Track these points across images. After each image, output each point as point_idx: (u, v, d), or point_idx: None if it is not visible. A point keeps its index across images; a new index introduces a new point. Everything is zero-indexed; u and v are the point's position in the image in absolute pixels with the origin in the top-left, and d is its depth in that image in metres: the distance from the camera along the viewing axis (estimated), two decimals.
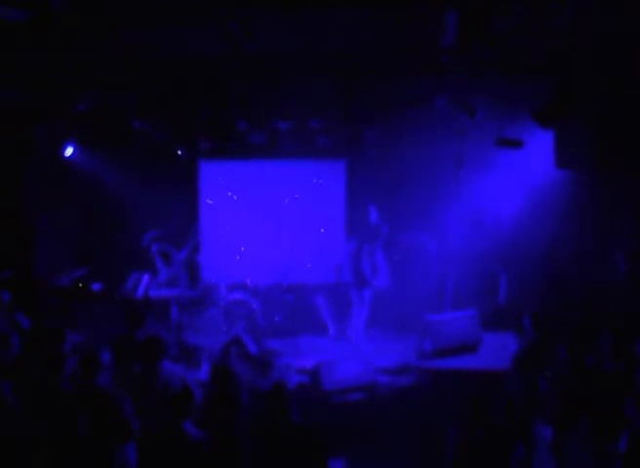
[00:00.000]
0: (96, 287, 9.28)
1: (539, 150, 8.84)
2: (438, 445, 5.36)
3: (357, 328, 8.96)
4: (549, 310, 8.02)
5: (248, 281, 9.94)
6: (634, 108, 7.67)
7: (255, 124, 9.36)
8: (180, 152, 10.03)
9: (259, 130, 9.46)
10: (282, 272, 9.94)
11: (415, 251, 9.81)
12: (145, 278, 8.97)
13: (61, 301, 8.84)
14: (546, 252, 9.41)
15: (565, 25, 6.01)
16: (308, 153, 10.29)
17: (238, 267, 10.39)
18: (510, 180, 9.46)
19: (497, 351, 7.35)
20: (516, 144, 8.15)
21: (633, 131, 7.79)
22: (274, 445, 4.29)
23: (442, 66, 7.23)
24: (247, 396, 5.26)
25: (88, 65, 7.47)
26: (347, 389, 7.00)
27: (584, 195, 8.83)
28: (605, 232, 8.64)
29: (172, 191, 10.85)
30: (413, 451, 5.96)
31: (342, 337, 9.20)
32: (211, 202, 10.75)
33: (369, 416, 6.84)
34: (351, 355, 8.16)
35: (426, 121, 8.92)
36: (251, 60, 7.27)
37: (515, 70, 7.39)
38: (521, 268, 9.56)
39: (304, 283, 9.97)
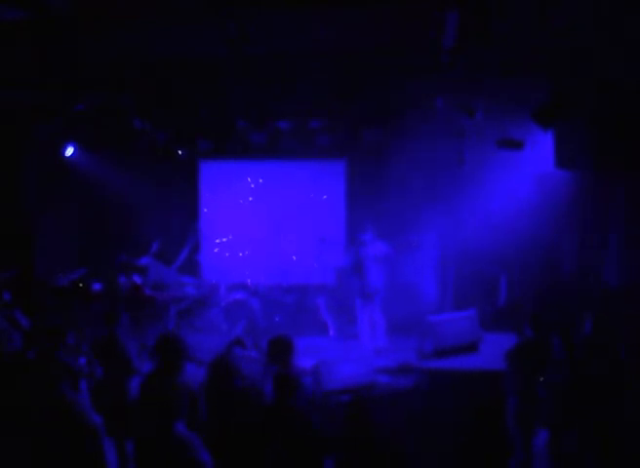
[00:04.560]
0: (96, 287, 9.28)
1: (539, 150, 8.84)
2: (437, 445, 5.37)
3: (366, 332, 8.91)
4: (548, 311, 8.03)
5: (248, 281, 9.94)
6: (634, 108, 7.67)
7: (254, 124, 9.35)
8: (180, 152, 10.03)
9: (258, 129, 9.46)
10: (282, 272, 9.95)
11: (415, 251, 9.80)
12: (136, 277, 8.96)
13: (61, 301, 8.84)
14: (546, 252, 9.41)
15: (565, 25, 6.01)
16: (308, 153, 10.30)
17: (238, 267, 10.39)
18: (511, 180, 9.46)
19: (497, 351, 7.34)
20: (516, 145, 8.14)
21: (633, 131, 7.78)
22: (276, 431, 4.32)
23: (442, 66, 7.23)
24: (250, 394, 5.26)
25: (88, 65, 7.47)
26: (347, 389, 7.00)
27: (584, 195, 8.82)
28: (605, 232, 8.63)
29: (172, 191, 10.87)
30: (412, 451, 5.95)
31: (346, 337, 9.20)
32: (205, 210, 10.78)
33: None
34: (352, 355, 8.15)
35: (426, 121, 8.92)
36: (251, 60, 7.27)
37: (515, 70, 7.38)
38: (521, 269, 9.56)
39: (305, 283, 9.97)
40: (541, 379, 5.13)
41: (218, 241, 10.76)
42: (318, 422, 4.59)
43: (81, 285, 9.15)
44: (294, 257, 10.36)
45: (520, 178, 9.38)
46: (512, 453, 5.52)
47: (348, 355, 7.90)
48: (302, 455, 4.29)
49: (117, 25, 6.30)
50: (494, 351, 7.59)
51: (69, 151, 9.92)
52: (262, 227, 10.64)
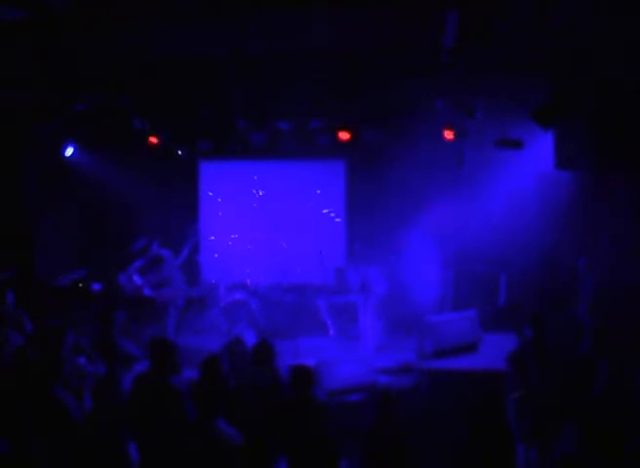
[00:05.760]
0: (95, 287, 9.28)
1: (538, 150, 8.84)
2: (438, 444, 5.37)
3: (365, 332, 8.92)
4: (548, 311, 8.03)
5: (248, 281, 9.93)
6: (634, 108, 7.66)
7: (254, 124, 9.35)
8: (179, 152, 10.02)
9: (258, 130, 9.45)
10: (282, 272, 9.95)
11: (414, 251, 9.80)
12: (136, 278, 8.97)
13: (61, 301, 8.84)
14: (546, 252, 9.41)
15: (565, 25, 6.00)
16: (308, 153, 10.29)
17: (238, 267, 10.39)
18: (510, 181, 9.46)
19: (497, 351, 7.34)
20: (516, 145, 8.14)
21: (633, 131, 7.78)
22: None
23: (442, 66, 7.22)
24: (248, 394, 5.26)
25: (88, 65, 7.47)
26: (347, 389, 7.00)
27: (584, 195, 8.82)
28: (605, 233, 8.63)
29: (172, 191, 10.86)
30: (412, 451, 5.95)
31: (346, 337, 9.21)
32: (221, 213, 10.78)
33: (369, 416, 6.83)
34: (352, 355, 8.15)
35: (426, 121, 8.91)
36: (251, 60, 7.27)
37: (515, 70, 7.38)
38: (521, 269, 9.56)
39: (304, 283, 9.96)
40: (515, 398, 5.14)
41: (222, 240, 10.75)
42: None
43: (81, 285, 9.16)
44: (283, 244, 10.35)
45: (520, 179, 9.37)
46: (513, 453, 5.52)
47: (348, 355, 7.91)
48: (321, 452, 4.35)
49: (117, 25, 6.30)
50: (493, 351, 7.60)
51: (69, 151, 9.91)
52: (262, 227, 10.64)
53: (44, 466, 4.58)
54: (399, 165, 10.03)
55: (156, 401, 4.85)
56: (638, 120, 7.60)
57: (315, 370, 7.04)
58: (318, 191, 10.76)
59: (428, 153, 9.55)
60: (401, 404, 5.02)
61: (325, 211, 10.74)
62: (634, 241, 8.10)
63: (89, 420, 4.69)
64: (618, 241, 8.41)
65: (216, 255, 10.59)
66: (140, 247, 9.21)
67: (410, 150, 9.68)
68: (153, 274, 9.31)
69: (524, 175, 9.32)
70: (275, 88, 8.16)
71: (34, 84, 7.80)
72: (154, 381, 4.94)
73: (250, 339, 7.84)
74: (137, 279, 8.98)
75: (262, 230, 10.61)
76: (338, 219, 10.75)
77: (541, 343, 5.73)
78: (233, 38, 6.39)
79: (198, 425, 4.17)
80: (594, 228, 8.67)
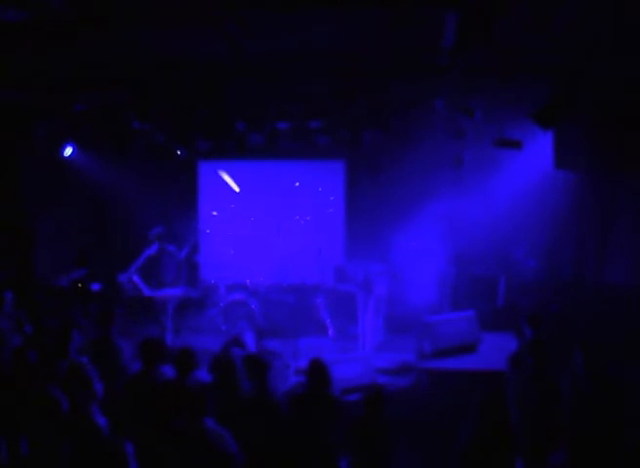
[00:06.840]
0: (95, 287, 9.28)
1: (538, 151, 8.85)
2: (438, 445, 5.37)
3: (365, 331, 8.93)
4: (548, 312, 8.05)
5: (247, 281, 9.93)
6: (634, 109, 7.67)
7: (253, 124, 9.35)
8: (179, 152, 10.02)
9: (257, 130, 9.46)
10: (281, 272, 9.94)
11: (413, 252, 9.81)
12: (136, 278, 8.97)
13: (61, 301, 8.84)
14: (546, 252, 9.41)
15: (565, 26, 6.00)
16: (308, 153, 10.29)
17: (238, 267, 10.38)
18: (510, 182, 9.46)
19: (496, 351, 7.35)
20: (515, 145, 8.14)
21: (633, 131, 7.78)
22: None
23: (441, 67, 7.22)
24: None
25: (87, 65, 7.47)
26: (347, 389, 7.00)
27: (584, 195, 8.82)
28: (605, 233, 8.64)
29: (171, 191, 10.87)
30: (412, 452, 5.96)
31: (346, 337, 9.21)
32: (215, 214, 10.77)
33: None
34: (351, 355, 8.15)
35: (426, 122, 8.92)
36: (250, 60, 7.26)
37: (515, 71, 7.38)
38: (520, 270, 9.56)
39: (304, 283, 9.97)
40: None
41: (222, 240, 10.75)
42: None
43: (80, 285, 9.16)
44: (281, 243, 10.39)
45: (519, 179, 9.38)
46: (512, 453, 5.51)
47: (348, 355, 7.90)
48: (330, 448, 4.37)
49: (117, 25, 6.29)
50: (493, 351, 7.60)
51: (68, 151, 9.92)
52: (262, 227, 10.63)
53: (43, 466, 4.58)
54: (399, 165, 10.04)
55: (153, 400, 4.86)
56: (638, 120, 7.61)
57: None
58: (319, 189, 10.78)
59: (428, 153, 9.56)
60: (393, 403, 5.03)
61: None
62: (634, 240, 8.10)
63: (87, 419, 4.68)
64: (619, 240, 8.41)
65: (232, 251, 10.53)
66: (157, 234, 9.18)
67: (410, 150, 9.69)
68: (153, 274, 9.32)
69: (524, 174, 9.32)
70: (275, 88, 8.16)
71: (34, 84, 7.79)
72: (145, 381, 4.97)
73: (249, 339, 7.83)
74: (136, 279, 8.98)
75: (262, 230, 10.61)
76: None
77: (540, 343, 5.73)
78: (233, 38, 6.38)
79: (187, 423, 4.18)
80: (594, 228, 8.68)
